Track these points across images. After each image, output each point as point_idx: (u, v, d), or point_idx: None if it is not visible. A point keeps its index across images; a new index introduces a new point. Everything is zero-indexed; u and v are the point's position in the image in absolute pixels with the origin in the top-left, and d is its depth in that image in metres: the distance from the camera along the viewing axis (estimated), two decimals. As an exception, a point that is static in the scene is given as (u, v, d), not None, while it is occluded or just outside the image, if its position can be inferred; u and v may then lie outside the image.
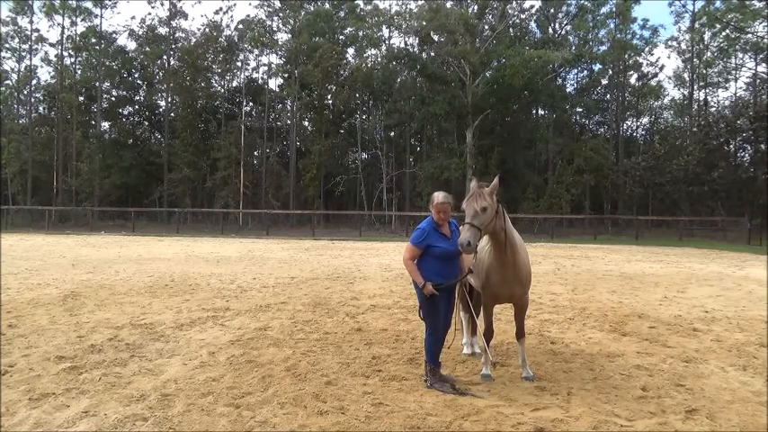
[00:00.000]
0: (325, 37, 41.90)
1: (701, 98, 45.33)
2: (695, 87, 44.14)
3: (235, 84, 47.31)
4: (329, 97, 43.14)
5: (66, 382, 4.60)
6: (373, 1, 43.08)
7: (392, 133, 44.35)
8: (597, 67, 43.97)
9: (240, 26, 44.31)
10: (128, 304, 8.21)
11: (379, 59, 44.47)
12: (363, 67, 41.81)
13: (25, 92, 45.79)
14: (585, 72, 45.34)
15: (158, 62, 46.89)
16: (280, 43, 44.58)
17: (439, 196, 4.65)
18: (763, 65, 39.04)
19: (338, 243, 24.71)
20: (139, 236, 27.78)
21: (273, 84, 47.92)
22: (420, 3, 38.51)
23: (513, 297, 4.95)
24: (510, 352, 5.87)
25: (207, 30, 43.79)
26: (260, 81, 47.03)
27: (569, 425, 3.88)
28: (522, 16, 41.69)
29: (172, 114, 45.99)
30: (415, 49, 41.43)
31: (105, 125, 47.32)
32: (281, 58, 45.69)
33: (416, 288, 4.65)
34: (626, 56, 43.70)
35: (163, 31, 46.35)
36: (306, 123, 46.40)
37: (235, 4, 67.42)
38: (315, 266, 14.01)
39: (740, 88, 43.02)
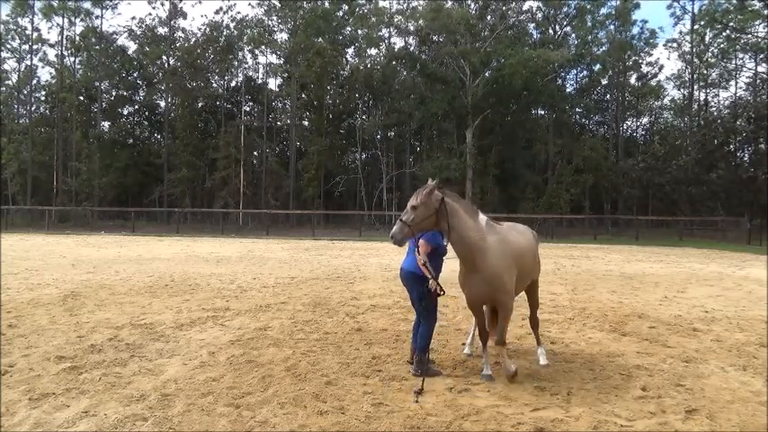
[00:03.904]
0: (325, 37, 41.89)
1: (702, 98, 45.35)
2: (695, 87, 44.14)
3: (234, 83, 47.35)
4: (328, 97, 43.14)
5: (67, 382, 4.60)
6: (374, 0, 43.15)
7: (392, 133, 44.36)
8: (597, 66, 44.01)
9: (239, 26, 44.28)
10: (128, 304, 8.21)
11: (379, 59, 44.50)
12: (363, 67, 41.80)
13: (25, 92, 45.79)
14: (585, 72, 45.36)
15: (158, 62, 46.90)
16: (279, 43, 44.59)
17: None
18: (763, 65, 39.08)
19: (338, 243, 24.71)
20: (139, 236, 27.78)
21: (273, 84, 48.02)
22: (421, 2, 38.60)
23: (484, 299, 4.85)
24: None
25: (206, 29, 43.81)
26: (259, 81, 47.06)
27: (569, 425, 3.88)
28: (522, 17, 41.72)
29: (171, 114, 46.00)
30: (415, 49, 41.43)
31: (105, 125, 47.33)
32: (280, 57, 45.73)
33: (419, 283, 4.93)
34: (626, 56, 43.70)
35: (162, 31, 46.43)
36: (305, 123, 46.41)
37: (234, 4, 67.51)
38: (315, 266, 14.01)
39: (740, 88, 43.09)
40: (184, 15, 51.05)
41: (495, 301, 4.83)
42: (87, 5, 43.70)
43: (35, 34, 43.76)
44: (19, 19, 43.02)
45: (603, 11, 41.81)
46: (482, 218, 4.85)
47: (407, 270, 5.02)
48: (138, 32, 46.37)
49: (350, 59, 45.17)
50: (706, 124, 36.63)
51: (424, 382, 4.58)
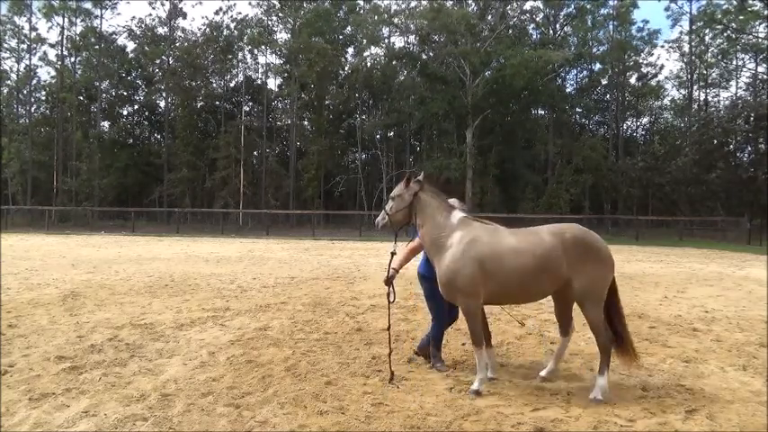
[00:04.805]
0: (325, 36, 41.88)
1: (702, 98, 45.34)
2: (695, 87, 44.14)
3: (234, 84, 47.35)
4: (328, 97, 43.11)
5: (67, 382, 4.60)
6: (373, 0, 43.16)
7: (392, 133, 44.36)
8: (597, 67, 44.00)
9: (239, 26, 44.27)
10: (128, 304, 8.21)
11: (379, 59, 44.51)
12: (363, 67, 41.80)
13: (25, 92, 45.79)
14: (585, 72, 45.40)
15: (158, 62, 46.91)
16: (279, 43, 44.60)
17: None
18: (764, 65, 39.07)
19: (338, 243, 24.71)
20: (139, 236, 27.77)
21: (273, 83, 48.01)
22: (421, 2, 38.59)
23: (447, 299, 4.72)
24: (509, 352, 5.87)
25: (206, 29, 43.82)
26: (259, 81, 47.08)
27: (569, 425, 3.88)
28: (523, 17, 41.74)
29: (171, 114, 46.00)
30: (415, 49, 41.46)
31: (105, 125, 47.35)
32: (280, 57, 45.74)
33: (427, 283, 5.18)
34: (626, 56, 43.72)
35: (162, 30, 46.44)
36: (306, 123, 46.41)
37: (234, 4, 67.51)
38: (315, 266, 14.01)
39: (740, 88, 43.09)
40: (184, 15, 51.12)
41: (453, 301, 4.65)
42: (88, 6, 43.76)
43: (33, 34, 43.79)
44: (16, 18, 43.01)
45: (603, 11, 41.89)
46: (456, 215, 4.68)
47: (419, 273, 5.34)
48: (138, 32, 46.40)
49: (350, 59, 45.25)
50: (705, 124, 36.58)
51: (392, 367, 4.83)
